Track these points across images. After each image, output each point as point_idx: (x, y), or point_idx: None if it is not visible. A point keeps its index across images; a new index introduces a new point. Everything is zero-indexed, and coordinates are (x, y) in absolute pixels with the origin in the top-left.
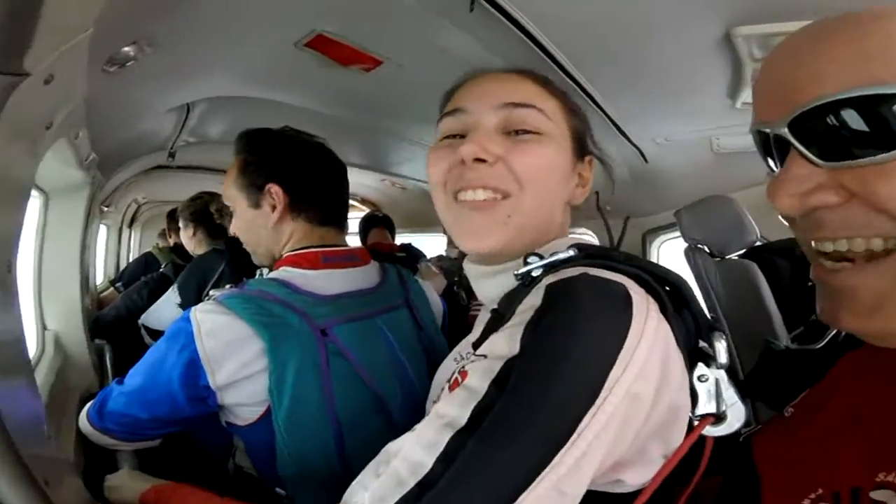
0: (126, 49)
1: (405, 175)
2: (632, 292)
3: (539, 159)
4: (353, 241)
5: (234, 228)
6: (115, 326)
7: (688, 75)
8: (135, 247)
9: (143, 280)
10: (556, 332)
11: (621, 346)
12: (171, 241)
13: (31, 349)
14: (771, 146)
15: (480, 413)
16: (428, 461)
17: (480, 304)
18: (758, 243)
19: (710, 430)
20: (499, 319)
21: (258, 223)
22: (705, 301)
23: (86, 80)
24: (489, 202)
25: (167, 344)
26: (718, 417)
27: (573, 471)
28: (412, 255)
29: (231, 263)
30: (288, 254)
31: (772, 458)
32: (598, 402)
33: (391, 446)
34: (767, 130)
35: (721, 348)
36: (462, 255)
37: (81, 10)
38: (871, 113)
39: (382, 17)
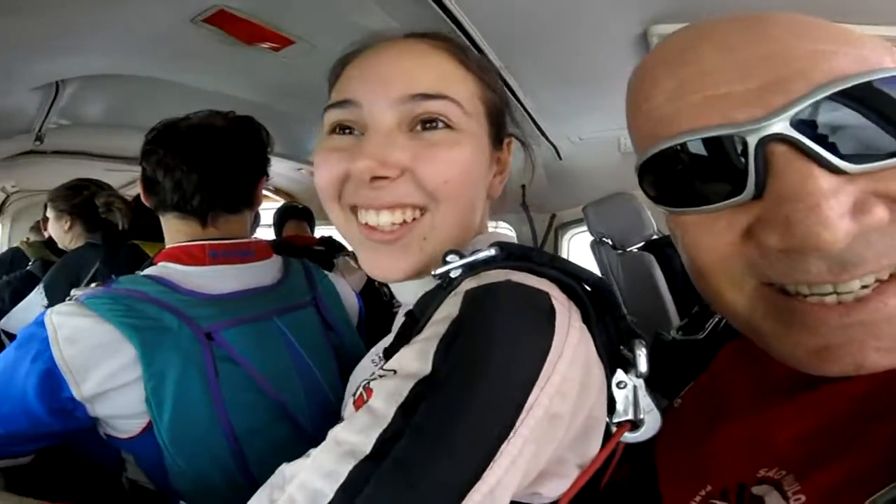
0: None
1: None
2: (555, 303)
3: (454, 166)
4: (268, 234)
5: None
6: None
7: (603, 74)
8: (2, 241)
9: (6, 279)
10: (470, 356)
11: (542, 363)
12: (47, 235)
13: None
14: (748, 156)
15: (385, 443)
16: (328, 491)
17: None
18: (655, 237)
19: (627, 437)
20: (413, 324)
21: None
22: None
23: None
24: (398, 230)
25: (17, 351)
26: (635, 424)
27: (488, 498)
28: (332, 249)
29: (107, 260)
30: (169, 246)
31: (666, 450)
32: (514, 427)
33: (287, 469)
34: (749, 135)
35: (642, 357)
36: None
37: None
38: (886, 101)
39: None
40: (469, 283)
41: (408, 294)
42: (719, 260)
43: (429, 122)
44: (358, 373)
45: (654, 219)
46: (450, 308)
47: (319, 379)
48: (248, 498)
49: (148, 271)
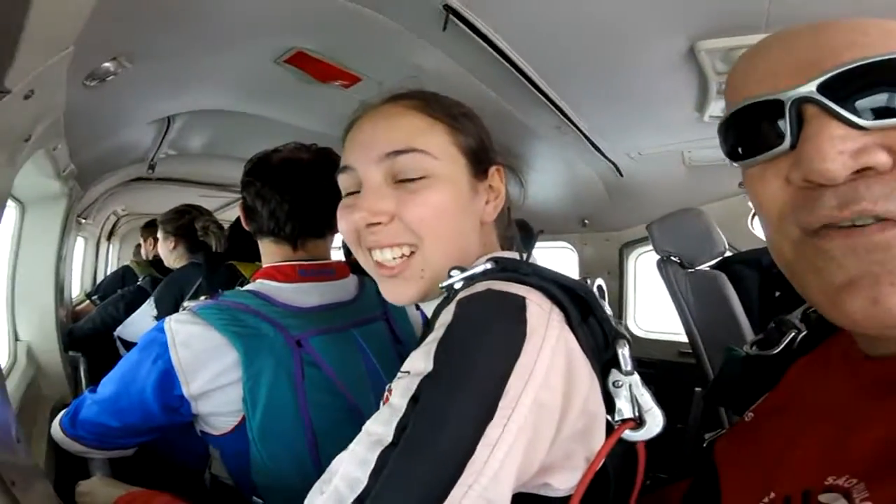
0: (106, 65)
1: None
2: (530, 304)
3: (429, 208)
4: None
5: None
6: (90, 338)
7: (656, 89)
8: (112, 259)
9: (120, 293)
10: (455, 351)
11: (516, 359)
12: (146, 254)
13: (3, 359)
14: (786, 116)
15: (402, 430)
16: (363, 477)
17: None
18: (726, 254)
19: (632, 435)
20: (427, 332)
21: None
22: (677, 311)
23: (65, 95)
24: (400, 264)
25: (141, 354)
26: (637, 422)
27: (494, 481)
28: None
29: (208, 277)
30: (265, 266)
31: (731, 461)
32: (504, 413)
33: (334, 464)
34: (785, 98)
35: (625, 355)
36: None
37: (63, 30)
38: None
39: (360, 35)
40: (461, 293)
41: (431, 305)
42: (770, 206)
43: (406, 179)
44: None
45: (726, 235)
46: (447, 315)
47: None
48: None
49: (248, 287)
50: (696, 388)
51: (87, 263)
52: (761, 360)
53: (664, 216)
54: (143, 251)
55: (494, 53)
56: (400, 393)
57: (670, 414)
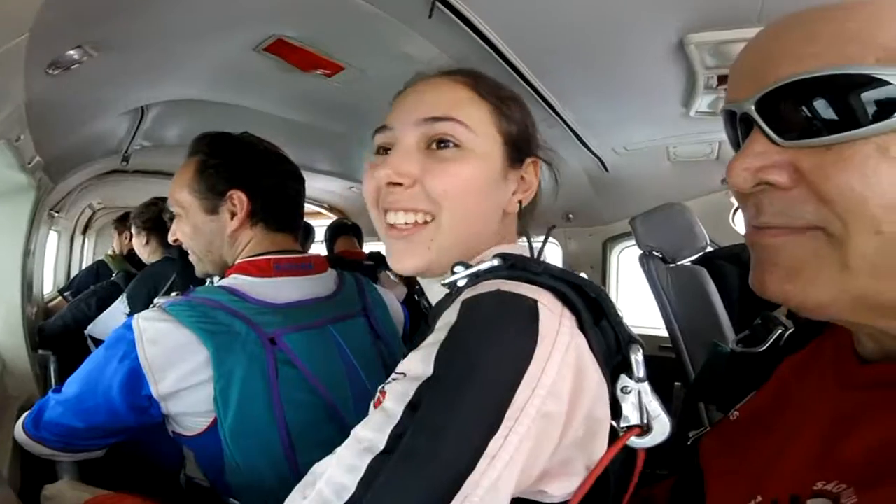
0: (70, 52)
1: None
2: (542, 308)
3: (456, 178)
4: (321, 249)
5: (180, 234)
6: (60, 336)
7: (644, 84)
8: (88, 254)
9: (92, 289)
10: (460, 359)
11: (525, 368)
12: (120, 248)
13: None
14: (737, 125)
15: (397, 438)
16: (350, 484)
17: None
18: (708, 249)
19: (637, 442)
20: (425, 331)
21: (211, 229)
22: (658, 305)
23: (22, 82)
24: (411, 228)
25: (107, 352)
26: (644, 429)
27: (491, 492)
28: (379, 264)
29: (183, 272)
30: (240, 261)
31: (715, 461)
32: (508, 423)
33: (317, 467)
34: (734, 109)
35: (638, 361)
36: None
37: (16, 16)
38: (834, 94)
39: (342, 22)
40: (467, 293)
41: (434, 297)
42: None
43: (441, 142)
44: None
45: (708, 231)
46: (450, 316)
47: (367, 384)
48: None
49: (221, 282)
50: (676, 383)
51: (61, 258)
52: (747, 357)
53: (647, 211)
54: (116, 245)
55: (482, 43)
56: (395, 398)
57: None
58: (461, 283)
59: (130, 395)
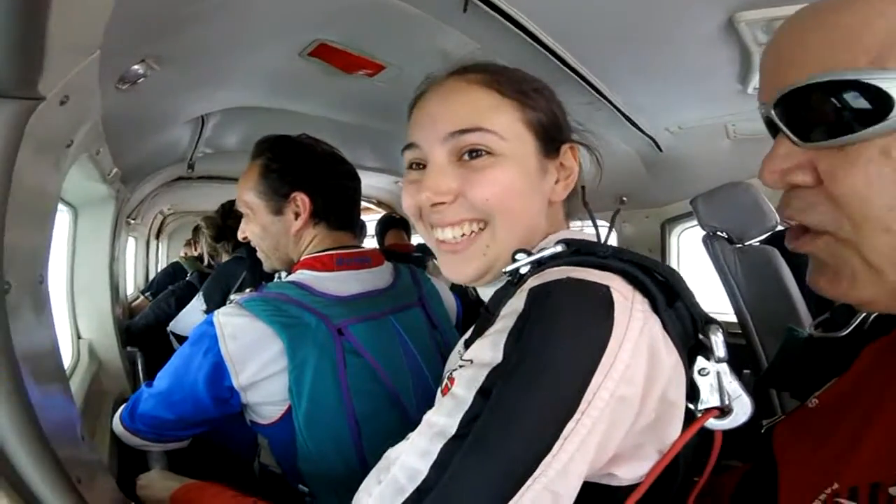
0: (135, 67)
1: None
2: (615, 294)
3: (496, 186)
4: (371, 242)
5: (249, 233)
6: (145, 334)
7: (696, 62)
8: (162, 257)
9: (171, 289)
10: (537, 344)
11: (602, 354)
12: (197, 251)
13: (67, 358)
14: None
15: (468, 423)
16: (423, 468)
17: None
18: (778, 228)
19: (716, 424)
20: (487, 318)
21: (278, 229)
22: (725, 289)
23: (99, 99)
24: (463, 241)
25: (192, 347)
26: (723, 411)
27: (561, 475)
28: (426, 255)
29: (251, 269)
30: (305, 257)
31: (791, 449)
32: (581, 407)
33: (391, 452)
34: (762, 111)
35: (718, 341)
36: None
37: (86, 34)
38: (838, 98)
39: (379, 23)
40: (533, 281)
41: (488, 296)
42: None
43: (473, 152)
44: (448, 364)
45: (776, 208)
46: (517, 303)
47: (425, 371)
48: (361, 477)
49: (289, 278)
50: (745, 371)
51: (139, 261)
52: (826, 342)
53: (710, 191)
54: (189, 248)
55: (521, 33)
56: (465, 383)
57: None
58: (523, 271)
59: (214, 386)
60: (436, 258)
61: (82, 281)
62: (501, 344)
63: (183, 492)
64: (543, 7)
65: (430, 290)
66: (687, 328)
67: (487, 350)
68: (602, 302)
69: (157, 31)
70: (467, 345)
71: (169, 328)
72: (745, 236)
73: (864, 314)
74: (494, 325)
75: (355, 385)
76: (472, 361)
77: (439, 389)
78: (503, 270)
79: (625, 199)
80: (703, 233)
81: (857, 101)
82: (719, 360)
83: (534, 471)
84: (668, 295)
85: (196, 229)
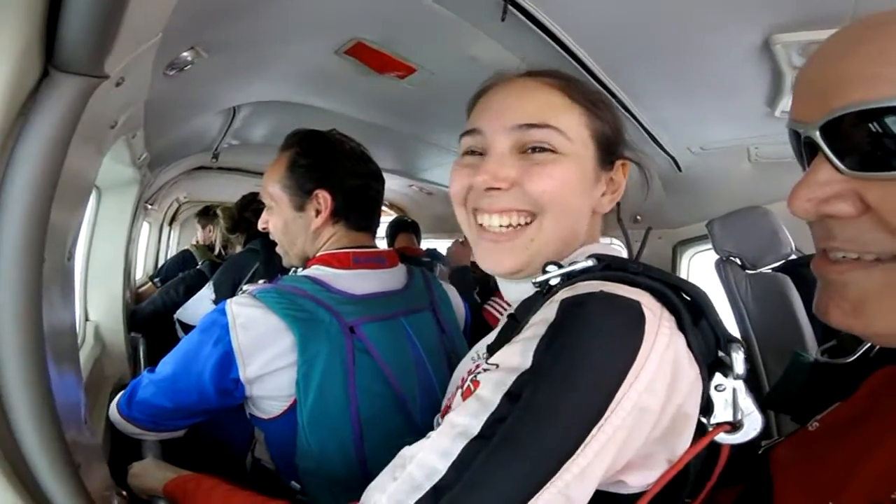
0: (185, 54)
1: (433, 181)
2: (645, 310)
3: (555, 181)
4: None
5: (270, 227)
6: (151, 320)
7: (726, 83)
8: (174, 244)
9: (181, 276)
10: (568, 352)
11: (632, 363)
12: (204, 239)
13: None
14: (801, 147)
15: (493, 425)
16: (442, 467)
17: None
18: (792, 256)
19: (726, 438)
20: (514, 326)
21: (298, 225)
22: (734, 313)
23: (149, 83)
24: (507, 233)
25: (202, 335)
26: (734, 426)
27: (578, 479)
28: (435, 260)
29: (265, 262)
30: (322, 253)
31: (789, 470)
32: (606, 414)
33: (407, 451)
34: (800, 131)
35: (738, 359)
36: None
37: (154, 17)
38: None
39: (418, 25)
40: (566, 293)
41: (514, 294)
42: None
43: (536, 147)
44: (460, 368)
45: (794, 236)
46: (547, 313)
47: (432, 376)
48: (359, 479)
49: (305, 272)
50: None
51: (151, 247)
52: (831, 368)
53: (727, 214)
54: (200, 237)
55: (553, 44)
56: (491, 387)
57: None
58: (553, 283)
59: (220, 377)
60: (444, 263)
61: (98, 263)
62: (531, 351)
63: (178, 483)
64: (579, 19)
65: (441, 295)
66: (710, 345)
67: (516, 356)
68: (633, 315)
69: (210, 19)
70: (490, 350)
71: (176, 316)
72: (759, 263)
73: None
74: (523, 333)
75: (363, 385)
76: (497, 366)
77: (459, 393)
78: (532, 282)
79: (639, 217)
80: (715, 257)
81: None
82: (737, 377)
83: (553, 475)
84: (693, 313)
85: (207, 213)
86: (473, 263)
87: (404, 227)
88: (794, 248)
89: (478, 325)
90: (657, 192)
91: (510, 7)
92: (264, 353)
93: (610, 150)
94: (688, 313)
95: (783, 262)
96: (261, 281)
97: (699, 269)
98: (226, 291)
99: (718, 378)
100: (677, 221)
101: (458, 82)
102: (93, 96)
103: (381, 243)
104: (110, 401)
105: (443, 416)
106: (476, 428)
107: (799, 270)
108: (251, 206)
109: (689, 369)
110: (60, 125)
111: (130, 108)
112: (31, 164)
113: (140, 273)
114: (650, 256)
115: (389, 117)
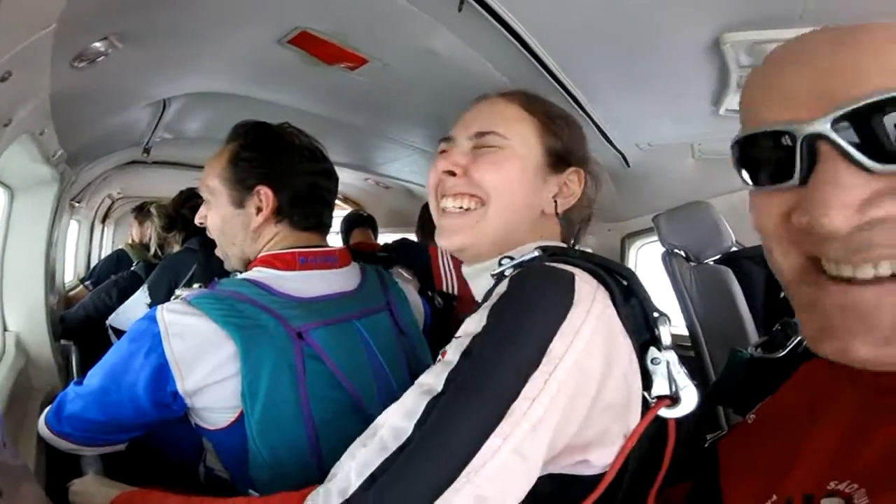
0: (96, 45)
1: (389, 175)
2: (578, 278)
3: (496, 172)
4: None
5: (208, 223)
6: (82, 326)
7: (676, 81)
8: (107, 242)
9: (113, 278)
10: (511, 310)
11: (563, 318)
12: (139, 238)
13: None
14: (796, 150)
15: (451, 381)
16: (408, 427)
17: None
18: (733, 249)
19: (667, 413)
20: (477, 310)
21: (237, 222)
22: (679, 304)
23: (49, 77)
24: (460, 213)
25: (131, 345)
26: (674, 399)
27: (531, 435)
28: (391, 256)
29: (203, 264)
30: (264, 254)
31: (732, 463)
32: (547, 368)
33: (378, 420)
34: (794, 131)
35: (665, 331)
36: None
37: (43, 8)
38: None
39: (369, 15)
40: (514, 271)
41: (479, 289)
42: (771, 233)
43: (483, 147)
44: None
45: (733, 229)
46: (500, 288)
47: (391, 378)
48: (318, 482)
49: (245, 275)
50: (693, 383)
51: (81, 247)
52: (766, 362)
53: (672, 209)
54: (135, 234)
55: (512, 39)
56: (453, 350)
57: None
58: (508, 273)
59: (155, 390)
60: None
61: (13, 269)
62: (485, 315)
63: (123, 500)
64: (537, 15)
65: (397, 294)
66: (639, 323)
67: (474, 323)
68: (567, 281)
69: (125, 5)
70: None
71: (108, 322)
72: (702, 255)
73: (800, 336)
74: (483, 305)
75: (315, 391)
76: (461, 336)
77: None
78: (490, 274)
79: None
80: (662, 249)
81: None
82: (665, 348)
83: (500, 420)
84: (625, 293)
85: (142, 210)
86: None
87: (360, 222)
88: (734, 241)
89: (442, 330)
90: (605, 185)
91: None
92: (203, 363)
93: (559, 158)
94: (620, 292)
95: (725, 254)
96: (196, 285)
97: (646, 260)
98: (161, 295)
99: (653, 352)
100: (626, 215)
101: (413, 75)
102: None
103: (337, 239)
104: (41, 414)
105: None
106: (439, 385)
107: (739, 263)
108: (189, 202)
109: (624, 341)
110: None
111: (28, 104)
112: None
113: (70, 275)
114: (600, 249)
115: (341, 110)
